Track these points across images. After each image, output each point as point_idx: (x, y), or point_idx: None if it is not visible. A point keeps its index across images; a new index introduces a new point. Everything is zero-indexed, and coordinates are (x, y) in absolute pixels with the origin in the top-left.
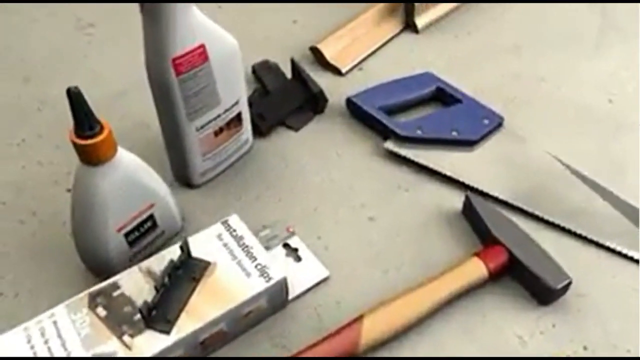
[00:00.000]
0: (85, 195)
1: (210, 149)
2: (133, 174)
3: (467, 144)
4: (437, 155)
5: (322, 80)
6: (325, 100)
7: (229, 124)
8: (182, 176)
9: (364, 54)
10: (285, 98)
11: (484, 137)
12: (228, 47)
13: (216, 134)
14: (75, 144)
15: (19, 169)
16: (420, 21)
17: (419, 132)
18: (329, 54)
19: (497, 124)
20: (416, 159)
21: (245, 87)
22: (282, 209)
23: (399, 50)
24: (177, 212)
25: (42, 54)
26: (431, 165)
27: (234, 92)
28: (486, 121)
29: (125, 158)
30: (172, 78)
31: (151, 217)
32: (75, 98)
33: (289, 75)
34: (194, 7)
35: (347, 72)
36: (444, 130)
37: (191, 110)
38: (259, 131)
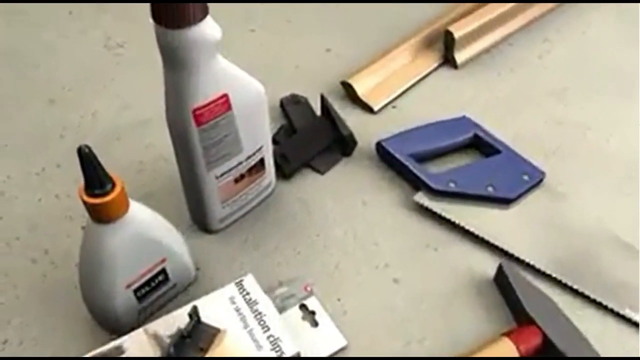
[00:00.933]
0: (93, 252)
1: (229, 195)
2: (145, 231)
3: (504, 201)
4: (471, 212)
5: (352, 117)
6: (355, 143)
7: (250, 170)
8: (199, 221)
9: (398, 90)
10: (312, 138)
11: (522, 195)
12: (253, 94)
13: (237, 180)
14: (84, 202)
15: (36, 202)
16: (460, 56)
17: (452, 185)
18: (360, 90)
19: (538, 180)
20: (447, 216)
21: (270, 128)
22: (302, 262)
23: (436, 87)
24: (191, 263)
25: (70, 75)
26: (463, 224)
27: (258, 138)
28: (526, 177)
29: (138, 214)
30: (192, 128)
31: (163, 271)
32: (85, 157)
33: (318, 110)
34: (218, 56)
35: (379, 110)
36: (479, 185)
37: (211, 160)
38: (282, 173)
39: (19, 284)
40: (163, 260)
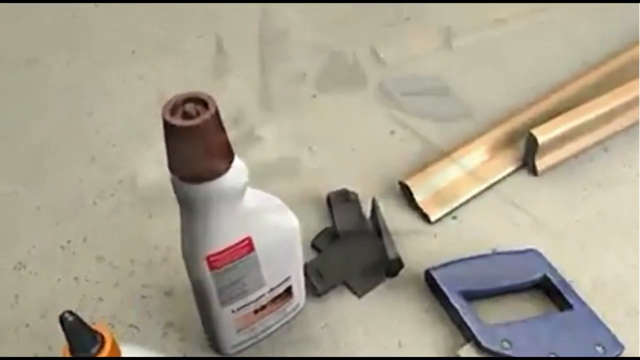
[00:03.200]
0: None
1: (247, 324)
2: None
3: None
4: None
5: (404, 222)
6: (401, 266)
7: (274, 300)
8: (212, 343)
9: (463, 198)
10: (354, 252)
11: None
12: (284, 230)
13: (256, 311)
14: None
15: (55, 282)
16: (542, 163)
17: (506, 345)
18: (419, 196)
19: (614, 356)
20: None
21: (312, 232)
22: None
23: (507, 197)
24: None
25: (118, 127)
26: None
27: (286, 270)
28: (600, 349)
29: None
30: (205, 271)
31: None
32: (68, 327)
33: (368, 211)
34: (245, 196)
35: (437, 220)
36: (539, 352)
37: (226, 298)
38: (314, 289)
39: None
40: None
